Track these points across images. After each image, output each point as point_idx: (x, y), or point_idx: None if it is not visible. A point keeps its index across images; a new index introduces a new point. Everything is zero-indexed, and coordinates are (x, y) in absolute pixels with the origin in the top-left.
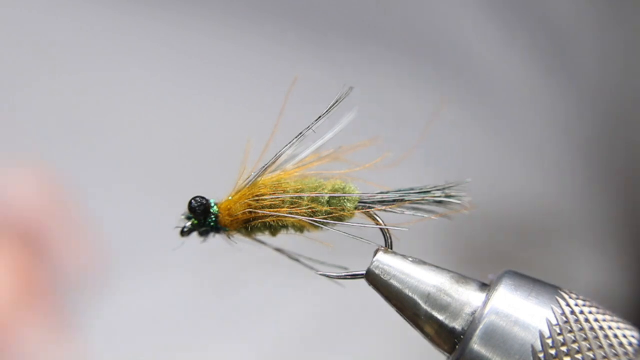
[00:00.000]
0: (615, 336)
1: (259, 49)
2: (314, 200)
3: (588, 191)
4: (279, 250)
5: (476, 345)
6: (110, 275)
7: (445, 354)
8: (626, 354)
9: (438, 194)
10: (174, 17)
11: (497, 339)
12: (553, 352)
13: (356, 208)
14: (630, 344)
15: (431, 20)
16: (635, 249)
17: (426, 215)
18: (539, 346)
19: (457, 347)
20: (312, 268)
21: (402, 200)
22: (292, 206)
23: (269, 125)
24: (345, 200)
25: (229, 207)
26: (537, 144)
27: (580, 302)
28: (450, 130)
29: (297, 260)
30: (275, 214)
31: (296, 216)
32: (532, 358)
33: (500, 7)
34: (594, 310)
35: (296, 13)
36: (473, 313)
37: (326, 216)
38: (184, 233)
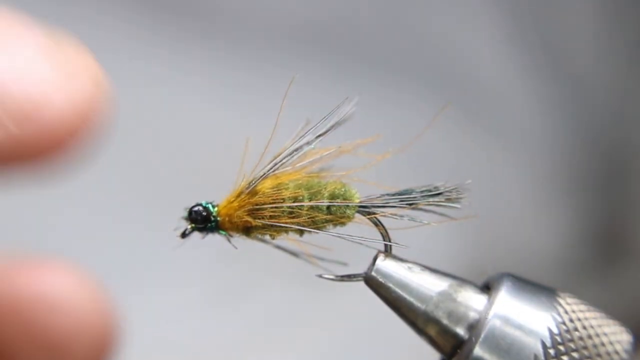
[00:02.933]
0: (611, 343)
1: (258, 49)
2: (313, 207)
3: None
4: (279, 247)
5: (479, 349)
6: None
7: (445, 356)
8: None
9: (438, 198)
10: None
11: (500, 343)
12: None
13: (357, 212)
14: (625, 349)
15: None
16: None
17: (425, 221)
18: (541, 355)
19: (459, 350)
20: (311, 263)
21: (401, 206)
22: (291, 215)
23: (269, 122)
24: (345, 208)
25: (228, 213)
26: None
27: (575, 308)
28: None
29: (297, 256)
30: (275, 224)
31: (296, 226)
32: None
33: (502, 23)
34: (589, 315)
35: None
36: (475, 317)
37: (326, 224)
38: (185, 235)
